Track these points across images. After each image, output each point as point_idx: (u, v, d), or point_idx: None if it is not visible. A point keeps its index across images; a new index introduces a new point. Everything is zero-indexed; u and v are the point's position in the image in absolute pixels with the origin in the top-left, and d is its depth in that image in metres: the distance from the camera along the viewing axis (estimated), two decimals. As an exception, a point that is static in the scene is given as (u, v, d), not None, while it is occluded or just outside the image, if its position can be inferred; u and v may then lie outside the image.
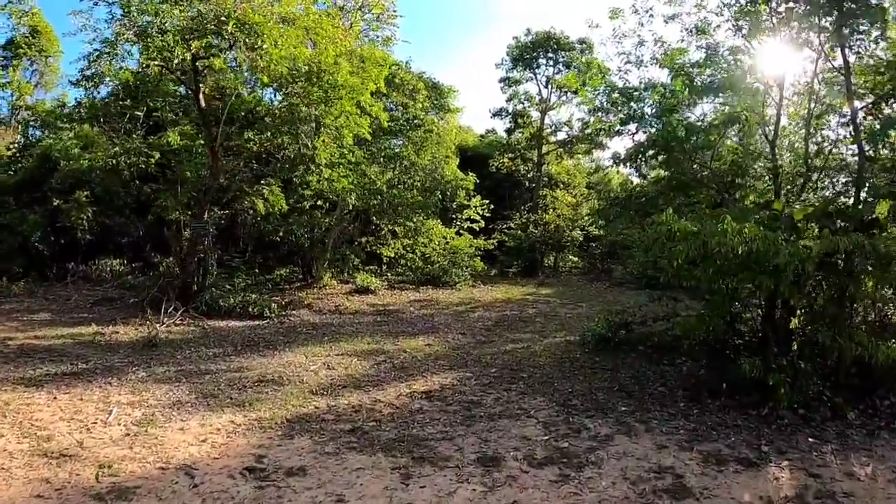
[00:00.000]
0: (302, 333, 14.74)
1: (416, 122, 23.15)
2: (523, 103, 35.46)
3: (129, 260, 24.57)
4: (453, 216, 27.65)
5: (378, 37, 24.98)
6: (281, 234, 22.48)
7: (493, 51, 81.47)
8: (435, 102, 25.76)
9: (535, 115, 35.74)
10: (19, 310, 17.47)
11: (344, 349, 12.74)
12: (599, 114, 13.33)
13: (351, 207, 22.81)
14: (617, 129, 12.61)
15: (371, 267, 25.64)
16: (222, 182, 19.92)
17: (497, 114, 36.24)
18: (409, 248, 25.20)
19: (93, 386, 9.57)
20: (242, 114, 18.84)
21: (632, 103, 12.13)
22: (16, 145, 27.75)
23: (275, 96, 19.84)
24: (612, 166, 13.19)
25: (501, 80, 35.44)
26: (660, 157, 12.08)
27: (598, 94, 12.98)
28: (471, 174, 26.54)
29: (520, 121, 35.49)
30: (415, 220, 23.73)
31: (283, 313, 17.54)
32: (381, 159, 23.33)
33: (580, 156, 38.11)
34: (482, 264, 26.21)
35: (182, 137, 21.85)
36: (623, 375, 10.66)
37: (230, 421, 8.08)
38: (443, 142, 24.67)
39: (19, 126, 28.50)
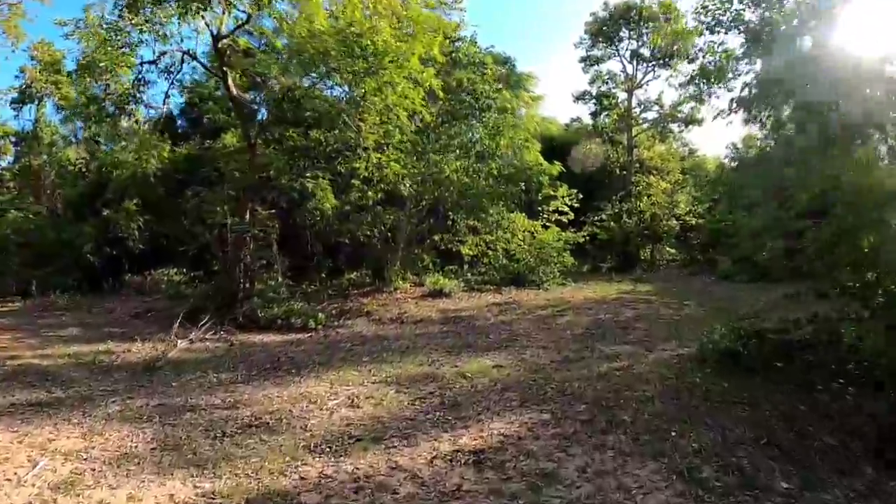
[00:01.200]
0: (343, 351, 11.70)
1: (487, 101, 19.56)
2: (607, 83, 31.37)
3: (188, 269, 22.41)
4: (539, 209, 23.99)
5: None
6: (348, 235, 19.54)
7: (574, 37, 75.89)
8: (510, 80, 22.28)
9: (621, 96, 31.57)
10: (52, 324, 15.81)
11: (385, 374, 9.54)
12: (713, 38, 9.48)
13: (418, 200, 19.67)
14: (742, 48, 8.70)
15: (451, 267, 22.45)
16: (284, 180, 17.35)
17: (580, 97, 32.29)
18: (490, 245, 21.82)
19: (48, 423, 7.47)
20: (279, 100, 16.11)
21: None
22: (82, 160, 26.53)
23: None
24: (730, 113, 9.29)
25: (582, 60, 31.57)
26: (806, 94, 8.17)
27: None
28: (556, 163, 22.88)
29: (605, 102, 31.33)
30: (493, 212, 20.20)
31: (335, 324, 14.74)
32: (455, 149, 19.94)
33: (673, 140, 33.73)
34: (572, 259, 22.48)
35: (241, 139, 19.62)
36: (767, 414, 7.02)
37: (169, 495, 5.32)
38: (520, 124, 20.98)
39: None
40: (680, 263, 27.59)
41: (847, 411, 6.93)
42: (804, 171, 7.66)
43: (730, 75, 9.29)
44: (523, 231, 21.66)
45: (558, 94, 58.15)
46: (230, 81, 15.15)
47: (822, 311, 8.93)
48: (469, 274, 22.10)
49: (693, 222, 27.70)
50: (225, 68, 14.88)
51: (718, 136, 72.53)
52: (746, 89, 8.85)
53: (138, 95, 15.69)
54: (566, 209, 23.57)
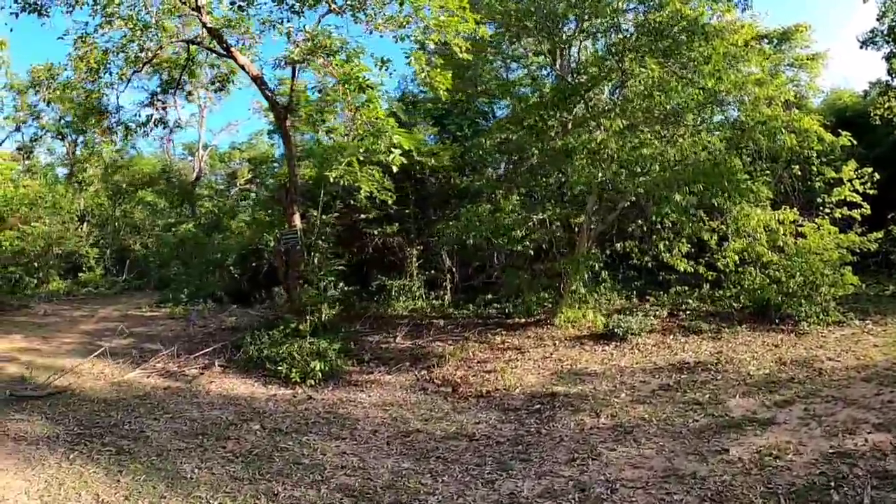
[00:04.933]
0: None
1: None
2: None
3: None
4: (820, 200, 14.28)
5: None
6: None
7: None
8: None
9: None
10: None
11: None
12: None
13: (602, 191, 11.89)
14: None
15: (684, 288, 14.13)
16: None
17: (868, 41, 20.18)
18: (717, 255, 13.16)
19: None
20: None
21: None
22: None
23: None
24: None
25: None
26: None
27: None
28: (844, 134, 13.24)
29: None
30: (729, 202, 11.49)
31: (356, 378, 9.79)
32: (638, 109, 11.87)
33: None
34: (856, 279, 12.58)
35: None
36: None
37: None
38: (743, 56, 11.67)
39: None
40: None
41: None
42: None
43: None
44: (771, 231, 12.66)
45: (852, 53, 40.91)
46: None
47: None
48: (690, 300, 13.67)
49: None
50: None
51: None
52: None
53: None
54: (857, 199, 13.62)
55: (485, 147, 14.85)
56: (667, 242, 12.99)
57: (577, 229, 13.14)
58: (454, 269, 15.58)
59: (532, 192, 12.99)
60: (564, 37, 13.01)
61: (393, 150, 8.59)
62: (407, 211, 15.70)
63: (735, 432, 6.42)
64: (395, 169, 8.54)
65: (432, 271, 15.57)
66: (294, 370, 9.52)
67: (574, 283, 12.26)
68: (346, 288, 15.40)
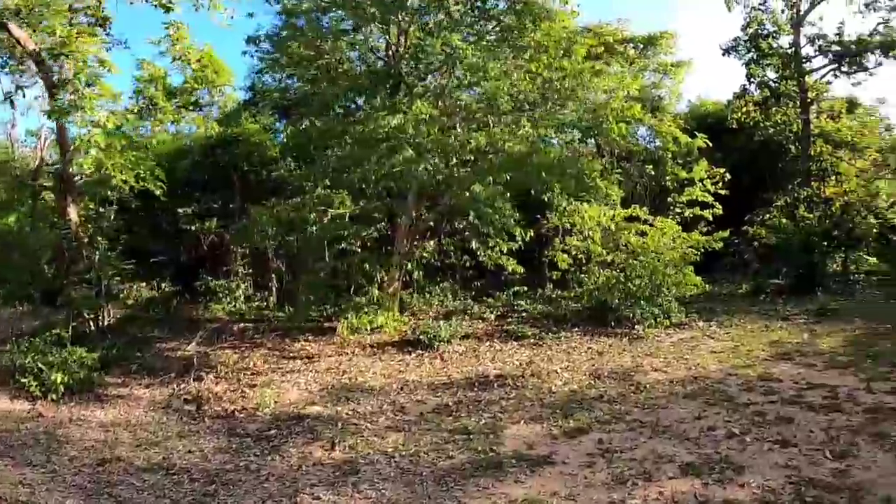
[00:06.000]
0: None
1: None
2: (764, 25, 19.03)
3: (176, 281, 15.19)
4: (670, 200, 13.93)
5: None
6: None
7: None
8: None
9: (784, 41, 19.08)
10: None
11: None
12: None
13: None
14: None
15: (522, 289, 13.09)
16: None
17: (731, 49, 19.86)
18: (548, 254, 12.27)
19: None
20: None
21: None
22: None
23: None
24: None
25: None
26: None
27: None
28: (700, 136, 12.91)
29: (763, 44, 18.92)
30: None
31: (107, 392, 8.16)
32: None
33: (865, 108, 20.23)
34: (698, 279, 11.85)
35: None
36: None
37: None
38: (575, 41, 10.91)
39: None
40: (887, 280, 15.16)
41: None
42: None
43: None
44: (607, 230, 11.83)
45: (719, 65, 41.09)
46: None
47: None
48: (522, 302, 12.62)
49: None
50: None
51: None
52: None
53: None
54: (708, 198, 13.13)
55: (287, 135, 13.47)
56: (491, 240, 11.82)
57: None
58: (282, 269, 13.90)
59: (344, 186, 11.51)
60: (397, 24, 11.78)
61: (91, 128, 7.41)
62: (232, 205, 13.99)
63: (492, 476, 4.94)
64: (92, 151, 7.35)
65: (251, 270, 13.90)
66: (36, 383, 7.83)
67: (387, 286, 10.79)
68: (167, 288, 13.76)
